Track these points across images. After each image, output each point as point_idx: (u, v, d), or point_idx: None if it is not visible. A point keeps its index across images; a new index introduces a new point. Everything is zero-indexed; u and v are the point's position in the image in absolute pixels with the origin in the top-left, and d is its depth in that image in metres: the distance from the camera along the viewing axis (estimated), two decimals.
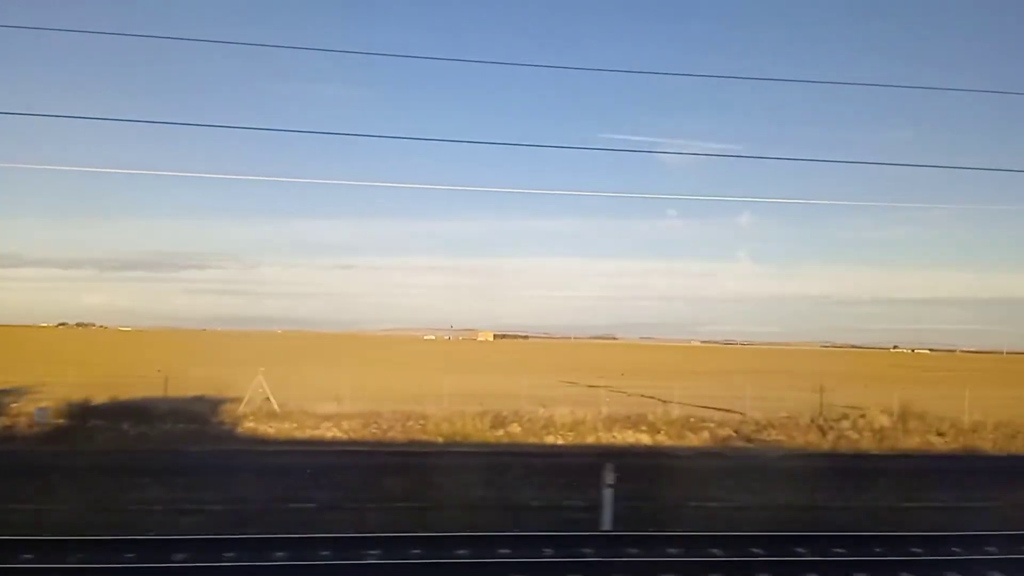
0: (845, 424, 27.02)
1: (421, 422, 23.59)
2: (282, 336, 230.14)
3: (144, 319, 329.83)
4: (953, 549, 10.62)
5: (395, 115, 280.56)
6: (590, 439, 24.44)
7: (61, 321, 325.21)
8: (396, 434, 22.93)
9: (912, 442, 26.26)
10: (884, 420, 27.64)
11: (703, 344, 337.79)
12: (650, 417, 25.92)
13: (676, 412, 27.24)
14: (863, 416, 27.63)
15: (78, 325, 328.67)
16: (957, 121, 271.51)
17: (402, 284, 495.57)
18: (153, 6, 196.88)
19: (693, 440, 25.20)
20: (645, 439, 24.77)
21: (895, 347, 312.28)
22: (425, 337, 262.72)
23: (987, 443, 25.47)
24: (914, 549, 10.57)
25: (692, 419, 26.44)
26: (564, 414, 25.02)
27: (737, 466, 19.34)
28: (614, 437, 24.72)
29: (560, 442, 24.01)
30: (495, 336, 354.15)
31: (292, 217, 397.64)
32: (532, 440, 23.89)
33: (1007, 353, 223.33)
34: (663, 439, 24.97)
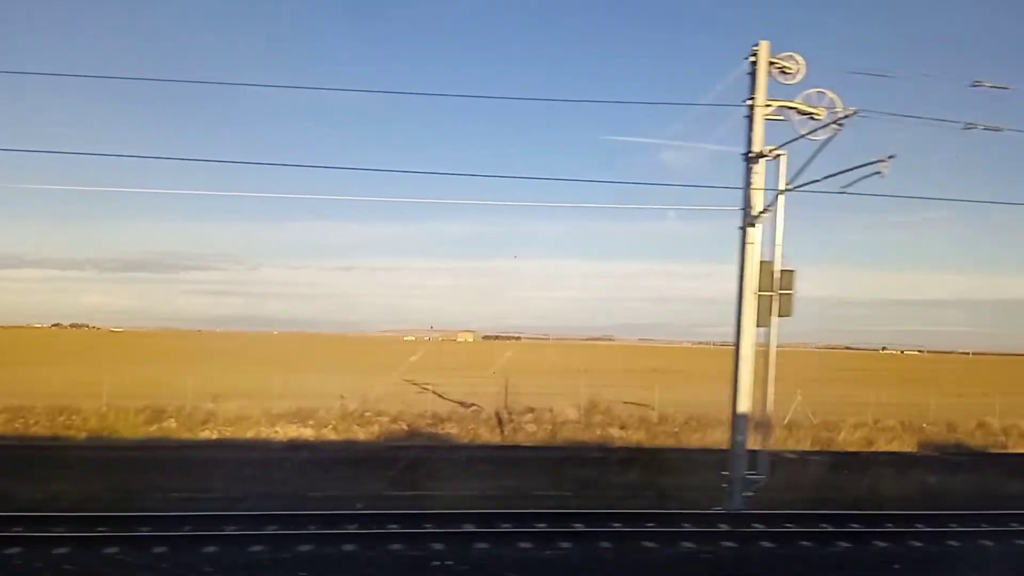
0: (528, 417, 27.63)
1: (73, 417, 24.44)
2: (277, 337, 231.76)
3: (146, 320, 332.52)
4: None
5: (395, 116, 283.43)
6: (250, 433, 25.19)
7: (55, 322, 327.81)
8: (40, 428, 23.81)
9: (590, 435, 26.88)
10: (572, 413, 28.25)
11: (693, 345, 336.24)
12: (322, 412, 26.62)
13: (353, 406, 27.90)
14: (551, 410, 28.23)
15: (72, 326, 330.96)
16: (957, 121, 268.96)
17: (403, 285, 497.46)
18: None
19: (359, 434, 25.90)
20: (308, 433, 25.49)
21: (884, 348, 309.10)
22: (405, 338, 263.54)
23: (640, 435, 25.98)
24: None
25: (368, 413, 27.12)
26: (229, 409, 25.75)
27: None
28: (276, 431, 25.45)
29: (215, 436, 24.77)
30: (484, 337, 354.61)
31: (293, 219, 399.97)
32: (186, 435, 24.66)
33: (972, 354, 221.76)
34: (328, 433, 25.68)
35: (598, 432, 26.92)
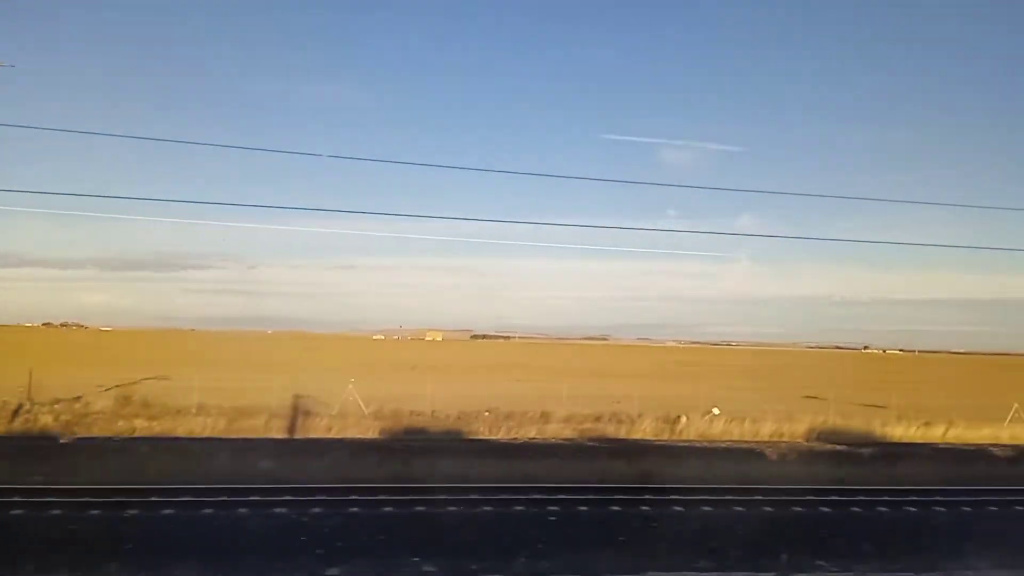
0: (58, 408, 27.30)
1: None
2: (271, 336, 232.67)
3: (145, 319, 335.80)
4: None
5: (394, 117, 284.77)
6: None
7: (46, 321, 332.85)
8: None
9: (110, 425, 26.43)
10: (104, 404, 27.92)
11: (676, 344, 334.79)
12: None
13: None
14: (78, 400, 27.94)
15: (62, 325, 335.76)
16: (956, 121, 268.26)
17: (402, 284, 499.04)
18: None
19: None
20: None
21: (865, 347, 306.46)
22: (374, 337, 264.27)
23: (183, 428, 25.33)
24: None
25: None
26: None
27: None
28: None
29: None
30: (472, 336, 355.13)
31: (292, 217, 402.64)
32: None
33: (918, 352, 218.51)
34: None
35: (120, 423, 26.51)
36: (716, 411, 28.74)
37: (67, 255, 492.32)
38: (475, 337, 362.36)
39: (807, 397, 45.75)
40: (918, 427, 26.95)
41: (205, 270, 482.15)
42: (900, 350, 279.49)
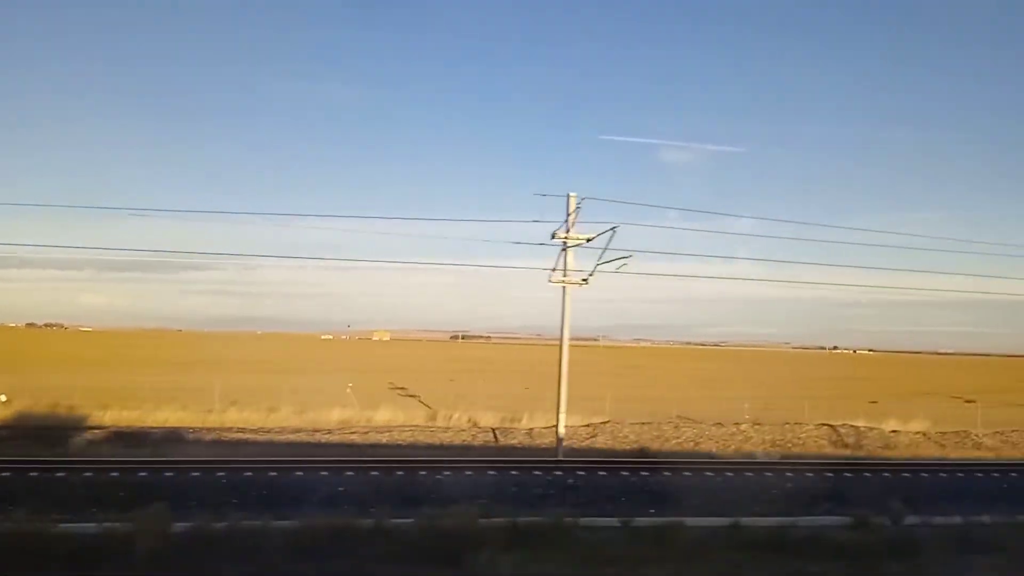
0: None
1: None
2: (260, 337, 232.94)
3: (141, 320, 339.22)
4: None
5: (395, 114, 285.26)
6: None
7: (29, 322, 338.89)
8: None
9: None
10: None
11: (652, 345, 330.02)
12: None
13: None
14: None
15: (46, 325, 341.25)
16: (959, 123, 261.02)
17: (400, 284, 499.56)
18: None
19: None
20: None
21: (834, 348, 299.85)
22: (323, 337, 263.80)
23: None
24: None
25: None
26: None
27: None
28: None
29: None
30: (451, 336, 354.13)
31: (290, 217, 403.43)
32: None
33: (848, 351, 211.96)
34: None
35: None
36: (3, 398, 26.98)
37: (66, 256, 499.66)
38: (454, 337, 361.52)
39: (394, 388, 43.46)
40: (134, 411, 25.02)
41: (203, 271, 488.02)
42: (869, 350, 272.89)
